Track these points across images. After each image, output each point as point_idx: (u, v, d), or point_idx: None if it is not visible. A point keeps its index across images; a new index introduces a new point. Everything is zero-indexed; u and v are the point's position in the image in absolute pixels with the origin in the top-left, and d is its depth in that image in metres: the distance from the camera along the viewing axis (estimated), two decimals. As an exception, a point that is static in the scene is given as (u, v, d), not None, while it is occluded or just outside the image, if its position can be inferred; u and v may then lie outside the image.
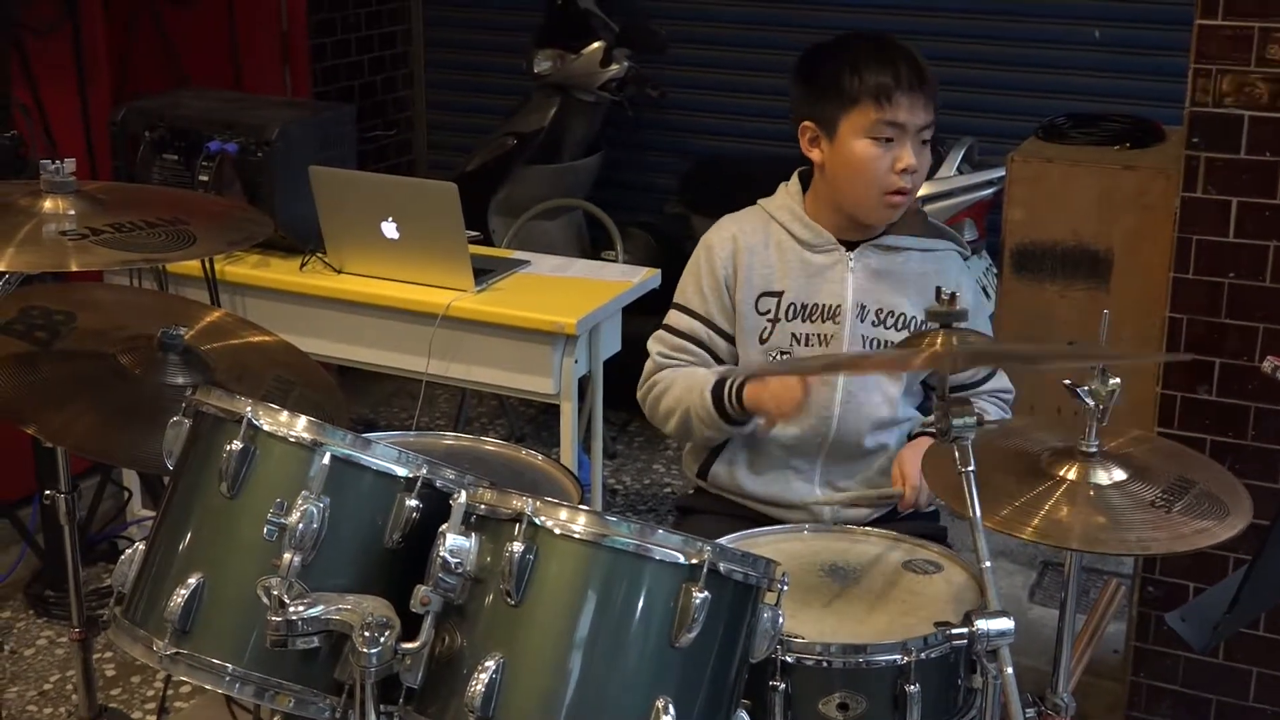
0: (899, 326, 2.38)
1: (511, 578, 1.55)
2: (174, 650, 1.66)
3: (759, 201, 2.48)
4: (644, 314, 3.23)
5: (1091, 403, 1.87)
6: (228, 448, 1.67)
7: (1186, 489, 1.90)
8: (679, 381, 2.41)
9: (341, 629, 1.58)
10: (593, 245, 4.75)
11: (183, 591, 1.66)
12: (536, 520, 1.57)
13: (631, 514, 4.13)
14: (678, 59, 4.91)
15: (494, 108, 5.08)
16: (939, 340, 1.80)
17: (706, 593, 1.56)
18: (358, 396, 4.72)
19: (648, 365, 2.48)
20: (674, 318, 2.47)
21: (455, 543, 1.58)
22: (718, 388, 2.34)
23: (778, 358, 2.37)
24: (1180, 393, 2.78)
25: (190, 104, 3.61)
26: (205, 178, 3.36)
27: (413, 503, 1.66)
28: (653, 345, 2.48)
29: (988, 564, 1.72)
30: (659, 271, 3.44)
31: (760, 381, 2.29)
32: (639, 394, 2.49)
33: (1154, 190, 3.15)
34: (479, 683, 1.54)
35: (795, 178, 2.46)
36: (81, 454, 2.32)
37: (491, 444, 2.33)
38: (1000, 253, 3.42)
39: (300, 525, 1.59)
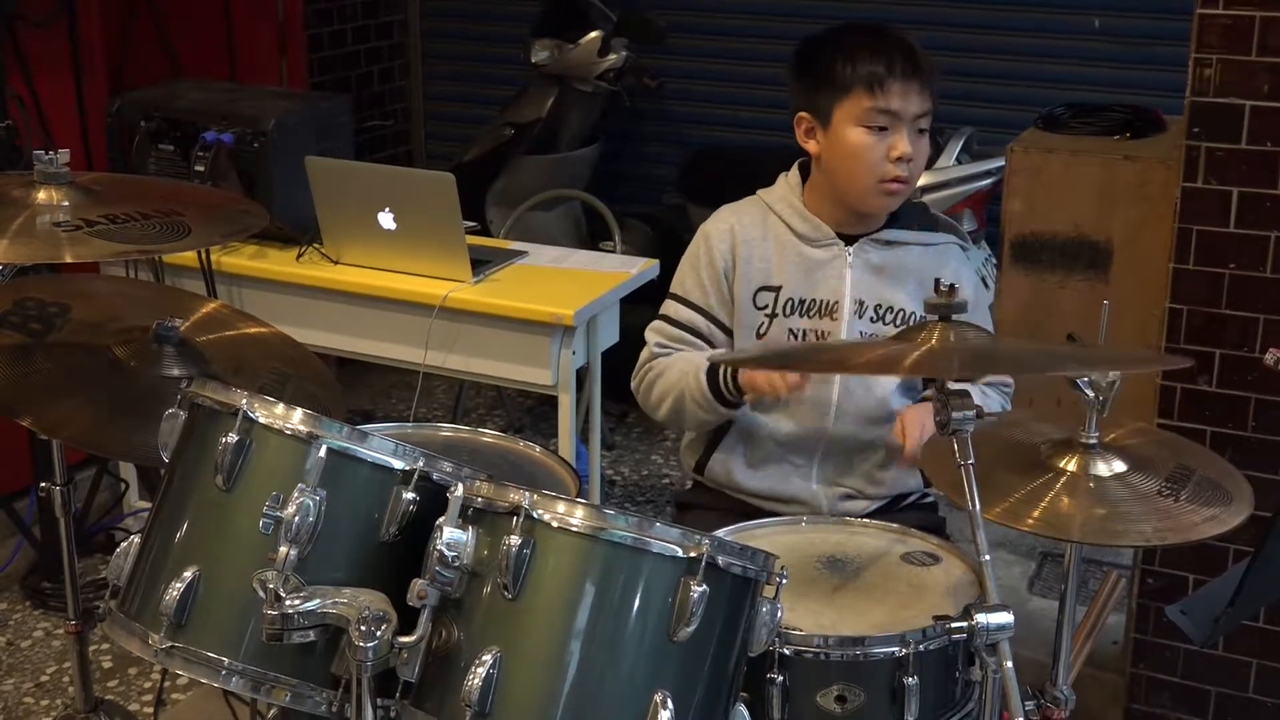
0: (898, 322, 2.36)
1: (509, 571, 1.54)
2: (169, 644, 1.65)
3: (758, 192, 2.46)
4: (642, 305, 3.22)
5: (1091, 394, 1.86)
6: (223, 440, 1.66)
7: (1187, 477, 1.89)
8: (674, 366, 2.40)
9: (338, 623, 1.57)
10: (590, 236, 4.74)
11: (178, 585, 1.65)
12: (534, 514, 1.56)
13: (630, 505, 4.12)
14: (675, 49, 4.90)
15: (491, 98, 5.07)
16: (935, 334, 1.79)
17: (705, 586, 1.55)
18: (355, 388, 4.72)
19: (644, 354, 2.47)
20: (672, 308, 2.45)
21: (452, 536, 1.57)
22: (713, 369, 2.32)
23: None
24: (1180, 384, 2.77)
25: (186, 95, 3.60)
26: (201, 168, 3.35)
27: (409, 496, 1.65)
28: (650, 335, 2.46)
29: (987, 557, 1.71)
30: (657, 262, 3.43)
31: None
32: (633, 383, 2.48)
33: (1154, 181, 3.14)
34: (476, 677, 1.53)
35: (795, 169, 2.45)
36: (77, 446, 2.31)
37: (489, 436, 2.32)
38: (999, 243, 3.41)
39: (296, 519, 1.58)
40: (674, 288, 2.47)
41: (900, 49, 2.30)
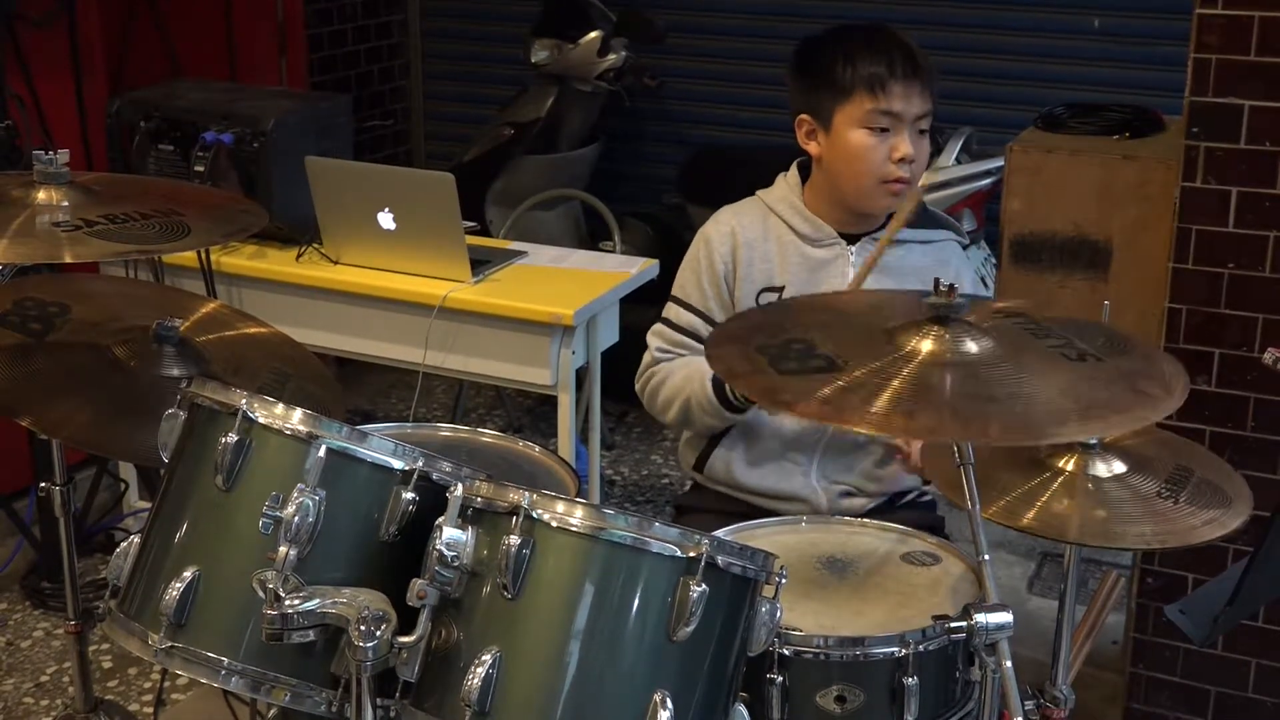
0: (900, 319, 2.36)
1: (508, 571, 1.54)
2: (169, 644, 1.65)
3: (757, 193, 2.47)
4: (642, 304, 3.22)
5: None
6: (223, 440, 1.67)
7: (1186, 479, 1.89)
8: (679, 370, 2.40)
9: (337, 623, 1.57)
10: (590, 236, 4.74)
11: (178, 585, 1.65)
12: (534, 514, 1.56)
13: (630, 505, 4.12)
14: (675, 49, 4.90)
15: (491, 98, 5.07)
16: (933, 333, 1.78)
17: (704, 586, 1.55)
18: (355, 388, 4.71)
19: (646, 358, 2.47)
20: (673, 311, 2.45)
21: (452, 536, 1.57)
22: (719, 377, 2.33)
23: None
24: (1179, 383, 2.77)
25: (186, 95, 3.60)
26: (201, 168, 3.35)
27: (409, 495, 1.65)
28: (652, 339, 2.47)
29: (986, 557, 1.72)
30: (657, 262, 3.43)
31: None
32: (637, 385, 2.48)
33: (1154, 180, 3.13)
34: (476, 676, 1.53)
35: (794, 169, 2.45)
36: (77, 446, 2.30)
37: (489, 435, 2.32)
38: (999, 243, 3.40)
39: (296, 518, 1.58)
40: (675, 291, 2.47)
41: (900, 50, 2.30)
